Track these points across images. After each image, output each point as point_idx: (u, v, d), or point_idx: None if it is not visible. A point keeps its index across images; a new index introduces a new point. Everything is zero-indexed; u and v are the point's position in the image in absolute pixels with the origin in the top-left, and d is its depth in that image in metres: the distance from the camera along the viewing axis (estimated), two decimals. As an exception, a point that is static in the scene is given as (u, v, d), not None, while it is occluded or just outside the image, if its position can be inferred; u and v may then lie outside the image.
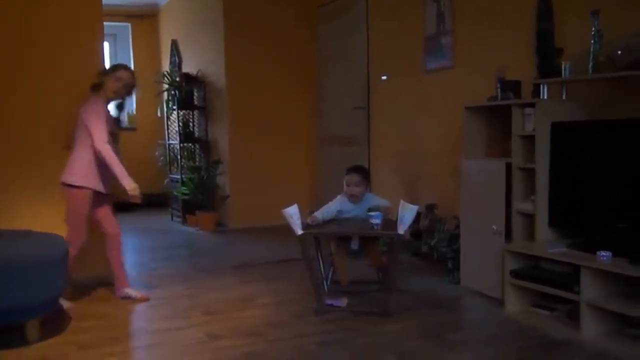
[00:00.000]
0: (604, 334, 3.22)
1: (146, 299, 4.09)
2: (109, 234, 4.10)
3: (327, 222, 3.98)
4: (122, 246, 4.17)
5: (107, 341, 3.38)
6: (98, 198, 3.98)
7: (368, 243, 3.96)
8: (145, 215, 7.84)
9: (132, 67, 9.23)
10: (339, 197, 4.10)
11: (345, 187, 4.06)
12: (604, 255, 3.21)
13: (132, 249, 5.86)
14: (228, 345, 3.25)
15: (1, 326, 3.27)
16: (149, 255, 5.57)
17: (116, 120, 4.18)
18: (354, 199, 4.04)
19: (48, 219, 4.24)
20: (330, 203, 4.09)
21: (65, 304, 3.89)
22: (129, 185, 3.85)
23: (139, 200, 3.91)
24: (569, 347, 3.15)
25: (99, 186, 3.95)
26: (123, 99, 4.12)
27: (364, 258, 4.06)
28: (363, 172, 4.13)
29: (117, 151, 3.94)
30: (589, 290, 3.20)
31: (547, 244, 3.61)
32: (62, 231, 3.85)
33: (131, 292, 4.12)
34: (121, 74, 3.99)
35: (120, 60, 9.27)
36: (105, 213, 4.08)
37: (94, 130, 3.81)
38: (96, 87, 3.99)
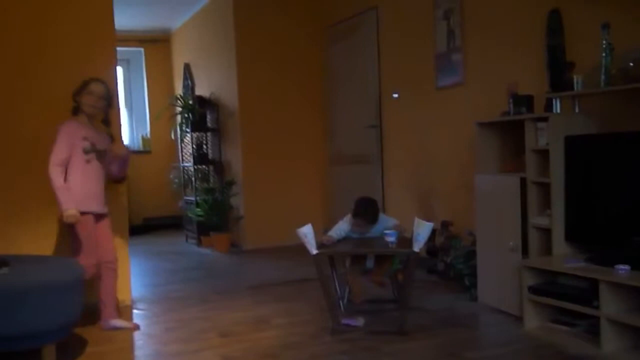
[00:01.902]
0: (624, 349, 3.17)
1: (136, 328, 4.00)
2: (103, 259, 3.93)
3: (341, 241, 3.97)
4: (116, 274, 4.05)
5: (123, 365, 3.37)
6: (97, 219, 3.93)
7: (382, 261, 3.94)
8: (160, 237, 7.86)
9: (146, 91, 9.38)
10: (348, 217, 4.08)
11: (351, 218, 4.05)
12: (623, 268, 3.17)
13: (147, 271, 5.87)
14: (244, 367, 3.23)
15: (18, 351, 3.28)
16: (164, 278, 5.57)
17: (104, 136, 4.01)
18: (360, 231, 4.04)
19: (65, 243, 4.26)
20: (340, 222, 4.08)
21: (121, 323, 3.94)
22: (65, 212, 3.73)
23: (73, 220, 3.75)
24: (589, 363, 3.11)
25: (96, 207, 3.89)
26: (105, 112, 4.00)
27: (370, 276, 4.03)
28: (369, 217, 4.03)
29: (102, 167, 3.91)
30: (608, 304, 3.15)
31: (565, 258, 3.57)
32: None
33: (119, 323, 4.00)
34: (92, 87, 3.92)
35: (133, 85, 9.41)
36: (102, 235, 3.97)
37: (51, 152, 3.78)
38: (75, 110, 3.96)
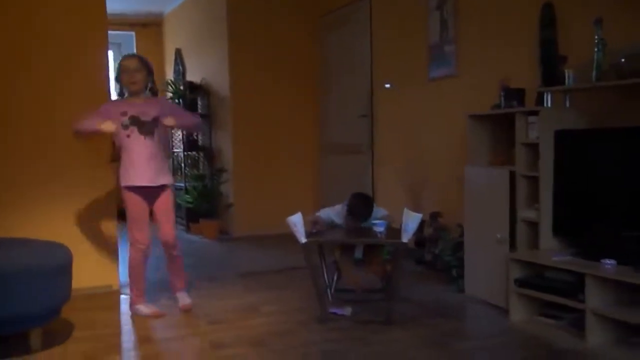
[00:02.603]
0: (609, 342, 3.21)
1: (159, 315, 3.95)
2: (161, 240, 3.95)
3: (330, 230, 3.98)
4: (175, 258, 4.04)
5: (110, 350, 3.37)
6: (148, 194, 3.87)
7: (371, 252, 3.96)
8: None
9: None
10: (339, 207, 4.09)
11: (346, 215, 4.05)
12: (609, 263, 3.20)
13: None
14: (232, 354, 3.24)
15: (4, 335, 3.27)
16: (152, 264, 5.55)
17: (154, 106, 3.88)
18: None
19: (54, 227, 4.25)
20: (330, 209, 4.11)
21: (146, 309, 3.94)
22: (102, 126, 3.76)
23: (111, 129, 3.77)
24: (574, 355, 3.14)
25: (140, 181, 3.82)
26: (147, 84, 3.93)
27: (366, 267, 4.06)
28: (364, 217, 4.00)
29: (144, 137, 3.81)
30: (594, 298, 3.19)
31: (552, 252, 3.60)
32: (67, 239, 3.84)
33: (182, 299, 4.05)
34: (125, 64, 3.90)
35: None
36: (158, 213, 3.93)
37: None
38: (120, 94, 3.98)
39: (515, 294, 3.67)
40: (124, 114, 3.82)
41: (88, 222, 4.47)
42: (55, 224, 4.31)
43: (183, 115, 4.04)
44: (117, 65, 3.95)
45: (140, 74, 3.88)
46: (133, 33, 9.34)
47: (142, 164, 3.83)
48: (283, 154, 7.17)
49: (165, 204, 3.92)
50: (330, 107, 7.05)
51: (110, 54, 8.15)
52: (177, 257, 4.04)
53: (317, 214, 4.01)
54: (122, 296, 4.46)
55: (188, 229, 7.28)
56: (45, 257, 3.40)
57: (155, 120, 3.84)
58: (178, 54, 8.47)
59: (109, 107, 3.92)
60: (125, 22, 8.96)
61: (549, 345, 3.30)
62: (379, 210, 4.09)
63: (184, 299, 4.05)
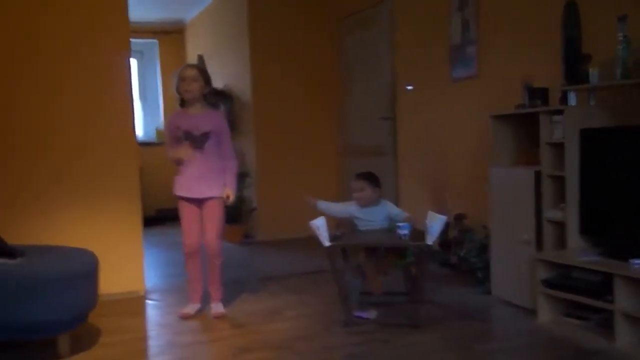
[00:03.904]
0: (638, 343, 3.15)
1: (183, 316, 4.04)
2: (206, 248, 4.06)
3: (354, 234, 3.98)
4: (215, 266, 4.08)
5: (136, 355, 3.40)
6: (198, 202, 4.00)
7: (391, 252, 3.93)
8: (173, 229, 7.85)
9: (160, 82, 9.41)
10: (351, 202, 4.11)
11: (353, 194, 4.07)
12: (638, 262, 3.15)
13: (161, 262, 5.91)
14: (256, 359, 3.25)
15: (33, 340, 3.32)
16: (178, 269, 5.58)
17: (209, 118, 4.02)
18: (362, 203, 4.04)
19: (81, 234, 4.30)
20: (338, 203, 4.16)
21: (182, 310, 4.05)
22: (179, 154, 3.94)
23: (184, 156, 3.94)
24: (602, 356, 3.09)
25: (188, 193, 3.98)
26: (201, 92, 4.02)
27: (376, 268, 4.03)
28: (366, 177, 4.07)
29: (193, 150, 3.93)
30: (623, 298, 3.14)
31: (579, 252, 3.55)
32: (93, 245, 3.88)
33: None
34: (183, 73, 4.00)
35: (147, 77, 9.44)
36: (204, 223, 4.03)
37: None
38: (181, 102, 4.08)
39: (542, 295, 3.63)
40: (178, 128, 3.98)
41: (113, 228, 4.51)
42: (80, 230, 4.36)
43: (227, 153, 4.12)
44: (177, 74, 4.06)
45: (197, 83, 3.99)
46: (156, 40, 9.43)
47: (190, 177, 3.98)
48: (305, 158, 7.18)
49: (210, 212, 4.01)
50: (352, 110, 7.04)
51: (133, 61, 8.25)
52: (215, 266, 4.08)
53: (317, 203, 4.08)
54: (148, 302, 4.49)
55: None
56: (72, 263, 3.44)
57: (206, 135, 3.95)
58: (201, 60, 8.52)
59: (170, 122, 4.10)
60: (147, 30, 9.05)
61: (577, 346, 3.25)
62: (394, 207, 4.07)
63: (216, 308, 4.08)
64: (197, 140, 3.95)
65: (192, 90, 3.97)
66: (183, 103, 4.06)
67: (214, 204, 4.00)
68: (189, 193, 3.98)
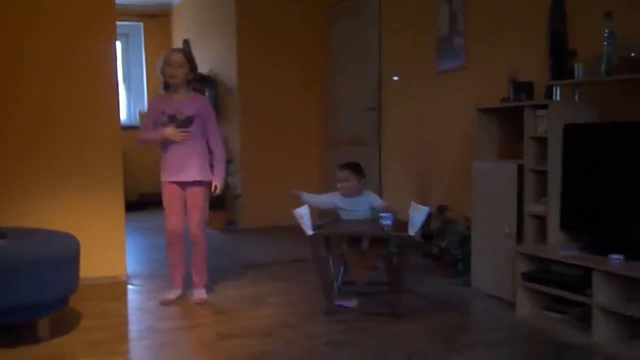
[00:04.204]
0: (615, 338, 3.20)
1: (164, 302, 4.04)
2: (189, 231, 4.05)
3: (337, 223, 3.99)
4: (199, 249, 4.08)
5: (117, 340, 3.39)
6: (182, 186, 3.99)
7: (376, 244, 3.95)
8: (155, 214, 7.83)
9: (144, 66, 9.33)
10: (335, 193, 4.12)
11: (338, 184, 4.08)
12: (616, 258, 3.18)
13: (143, 247, 5.89)
14: (238, 345, 3.25)
15: (12, 323, 3.30)
16: (159, 254, 5.56)
17: (193, 102, 3.99)
18: (346, 193, 4.06)
19: (63, 218, 4.27)
20: (322, 194, 4.17)
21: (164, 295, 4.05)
22: (166, 133, 3.91)
23: (181, 137, 3.90)
24: (580, 350, 3.13)
25: (174, 177, 3.96)
26: (187, 77, 4.00)
27: (363, 259, 4.05)
28: (351, 168, 4.09)
29: (189, 135, 3.91)
30: (601, 293, 3.18)
31: (559, 246, 3.59)
32: (75, 229, 3.85)
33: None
34: (169, 57, 3.97)
35: (131, 60, 9.36)
36: (189, 206, 4.03)
37: None
38: (165, 86, 4.05)
39: (521, 288, 3.66)
40: (163, 112, 3.95)
41: (95, 212, 4.49)
42: (62, 214, 4.33)
43: (213, 137, 4.09)
44: (163, 58, 4.03)
45: (182, 69, 3.96)
46: (141, 24, 9.35)
47: (175, 161, 3.96)
48: (290, 146, 7.17)
49: (194, 197, 4.01)
50: (337, 100, 7.04)
51: (118, 44, 8.17)
52: (199, 251, 4.08)
53: (302, 193, 4.07)
54: (129, 286, 4.48)
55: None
56: (53, 247, 3.42)
57: (190, 119, 3.93)
58: (186, 44, 8.45)
59: (152, 109, 4.07)
60: (133, 13, 8.96)
61: (555, 339, 3.29)
62: (377, 198, 4.08)
63: (199, 294, 4.08)
64: (182, 125, 3.93)
65: (178, 75, 3.95)
66: (167, 87, 4.03)
67: (198, 190, 4.00)
68: (173, 177, 3.96)
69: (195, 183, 3.98)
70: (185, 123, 3.93)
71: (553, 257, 3.50)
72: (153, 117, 4.00)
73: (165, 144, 3.97)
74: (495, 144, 4.27)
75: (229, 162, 7.00)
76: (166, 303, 4.00)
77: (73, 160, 4.42)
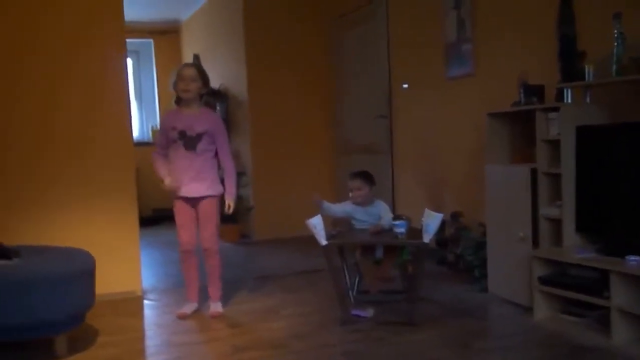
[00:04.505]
0: (635, 339, 3.16)
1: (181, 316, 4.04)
2: (202, 245, 4.05)
3: (350, 232, 3.98)
4: (213, 262, 4.08)
5: (133, 355, 3.40)
6: (192, 202, 3.99)
7: (390, 253, 3.94)
8: (169, 229, 7.83)
9: (156, 82, 9.39)
10: (347, 202, 4.13)
11: (350, 193, 4.07)
12: (634, 259, 3.16)
13: (158, 262, 5.90)
14: (253, 357, 3.25)
15: (30, 340, 3.31)
16: (174, 268, 5.58)
17: (204, 119, 3.99)
18: (358, 201, 4.06)
19: (77, 234, 4.29)
20: (337, 204, 4.16)
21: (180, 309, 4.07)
22: (165, 181, 3.96)
23: (169, 188, 3.95)
24: (599, 353, 3.10)
25: (183, 192, 3.96)
26: (199, 92, 4.01)
27: (380, 268, 4.04)
28: (363, 177, 4.09)
29: (186, 150, 3.91)
30: (619, 295, 3.14)
31: (575, 249, 3.56)
32: (90, 246, 3.87)
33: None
34: (182, 72, 3.98)
35: (142, 76, 9.43)
36: (200, 220, 4.03)
37: None
38: (177, 100, 4.06)
39: (538, 292, 3.63)
40: (174, 128, 3.95)
41: (110, 228, 4.51)
42: (77, 230, 4.35)
43: (223, 154, 4.10)
44: (175, 72, 4.04)
45: (195, 83, 3.97)
46: (151, 40, 9.42)
47: (182, 177, 3.96)
48: (302, 156, 7.18)
49: (205, 211, 4.01)
50: (348, 108, 7.04)
51: (129, 61, 8.24)
52: (213, 265, 4.07)
53: (322, 203, 4.05)
54: (145, 301, 4.49)
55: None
56: (69, 263, 3.43)
57: (200, 136, 3.93)
58: (196, 59, 8.51)
59: (165, 119, 4.12)
60: (143, 30, 9.03)
61: (573, 343, 3.26)
62: (384, 211, 4.06)
63: (215, 307, 4.08)
64: (191, 141, 3.93)
65: (191, 90, 3.95)
66: (179, 101, 4.04)
67: (209, 203, 4.00)
68: (183, 193, 3.97)
69: (206, 197, 3.99)
70: (195, 140, 3.93)
71: (569, 260, 3.47)
72: (166, 132, 4.01)
73: (173, 160, 3.98)
74: (507, 148, 4.25)
75: (240, 174, 7.03)
76: (183, 317, 4.00)
77: (87, 176, 4.44)
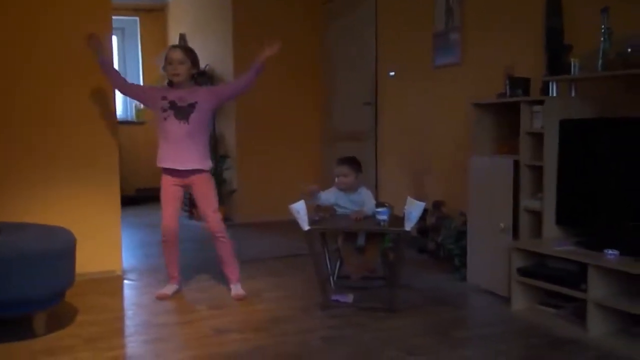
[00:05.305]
0: (610, 332, 3.21)
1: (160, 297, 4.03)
2: (206, 226, 4.05)
3: (333, 217, 3.99)
4: (224, 243, 4.06)
5: (113, 334, 3.39)
6: (182, 178, 3.95)
7: (373, 240, 3.96)
8: (152, 209, 7.82)
9: (140, 61, 9.30)
10: (332, 188, 4.11)
11: (335, 179, 4.07)
12: (612, 253, 3.20)
13: (139, 242, 5.88)
14: (234, 340, 3.26)
15: (8, 318, 3.29)
16: (155, 249, 5.56)
17: (195, 94, 3.93)
18: (342, 187, 4.05)
19: (59, 212, 4.26)
20: (326, 191, 4.12)
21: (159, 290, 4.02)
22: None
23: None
24: (575, 345, 3.15)
25: (171, 164, 3.92)
26: (190, 73, 3.96)
27: (363, 255, 4.05)
28: (350, 163, 4.08)
29: (179, 121, 3.85)
30: (596, 288, 3.19)
31: (554, 241, 3.60)
32: (70, 224, 3.84)
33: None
34: (169, 55, 3.93)
35: (127, 55, 9.33)
36: (198, 198, 4.02)
37: None
38: (169, 83, 4.01)
39: (517, 283, 3.67)
40: (164, 98, 3.91)
41: (91, 207, 4.48)
42: (58, 209, 4.32)
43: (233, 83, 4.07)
44: (164, 55, 3.99)
45: (184, 66, 3.92)
46: (137, 18, 9.31)
47: (174, 147, 3.91)
48: (287, 141, 7.16)
49: (202, 189, 3.98)
50: (334, 95, 7.03)
51: (114, 39, 8.14)
52: (223, 245, 4.05)
53: (319, 195, 4.02)
54: (125, 281, 4.48)
55: (191, 215, 7.28)
56: (49, 241, 3.41)
57: (192, 106, 3.89)
58: (182, 39, 8.42)
59: (154, 89, 4.07)
60: (129, 7, 8.92)
61: (550, 334, 3.30)
62: (368, 198, 4.05)
63: (236, 289, 4.05)
64: (184, 111, 3.87)
65: (180, 73, 3.91)
66: (171, 83, 4.00)
67: (203, 179, 3.97)
68: (173, 164, 3.91)
69: (197, 172, 3.94)
70: (187, 110, 3.87)
71: (548, 252, 3.51)
72: (148, 90, 4.00)
73: (163, 132, 3.92)
74: (492, 139, 4.27)
75: (224, 157, 7.03)
76: (162, 298, 4.00)
77: (69, 154, 4.41)
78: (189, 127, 3.88)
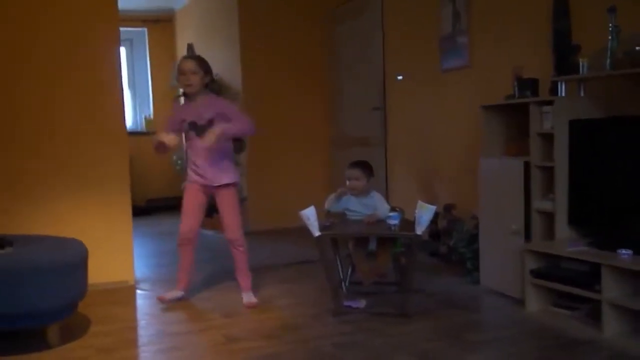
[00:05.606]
0: (625, 333, 3.19)
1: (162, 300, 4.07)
2: (227, 237, 4.11)
3: (344, 224, 3.98)
4: (242, 254, 4.11)
5: (126, 344, 3.40)
6: (209, 190, 4.02)
7: (384, 245, 3.94)
8: (163, 219, 7.88)
9: (149, 71, 9.35)
10: (339, 190, 4.09)
11: (347, 182, 4.05)
12: (625, 253, 3.18)
13: (151, 252, 5.90)
14: (246, 348, 3.26)
15: (22, 330, 3.31)
16: (167, 259, 5.58)
17: (211, 107, 3.92)
18: (355, 192, 4.03)
19: (70, 224, 4.28)
20: (333, 195, 4.09)
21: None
22: (162, 137, 3.86)
23: (173, 142, 3.86)
24: (590, 346, 3.12)
25: (199, 179, 3.98)
26: (202, 83, 3.94)
27: (375, 260, 4.03)
28: (362, 166, 4.06)
29: (200, 140, 3.84)
30: (610, 288, 3.16)
31: (567, 242, 3.57)
32: (82, 235, 3.86)
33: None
34: (181, 66, 3.94)
35: (136, 66, 9.39)
36: (222, 211, 4.07)
37: None
38: (183, 94, 4.04)
39: (530, 285, 3.65)
40: (184, 121, 3.97)
41: (103, 218, 4.50)
42: (69, 220, 4.34)
43: (237, 121, 3.97)
44: (176, 67, 4.03)
45: (196, 76, 3.92)
46: (145, 29, 9.37)
47: (200, 165, 3.97)
48: (296, 148, 7.17)
49: (225, 201, 4.02)
50: (342, 100, 7.04)
51: (122, 50, 8.20)
52: (240, 255, 4.10)
53: (327, 208, 4.02)
54: (138, 291, 4.49)
55: (202, 224, 7.29)
56: (61, 253, 3.42)
57: (211, 123, 3.89)
58: (190, 49, 8.46)
59: (173, 117, 4.08)
60: (136, 18, 8.99)
61: (565, 336, 3.28)
62: (380, 203, 4.03)
63: (248, 297, 4.07)
64: (203, 129, 3.89)
65: (193, 84, 3.91)
66: (186, 95, 4.02)
67: (228, 192, 4.01)
68: (202, 181, 3.98)
69: (223, 186, 3.98)
70: (206, 128, 3.88)
71: (561, 254, 3.49)
72: (174, 125, 4.00)
73: (190, 150, 4.00)
74: (501, 141, 4.26)
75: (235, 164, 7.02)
76: (161, 300, 4.03)
77: (80, 165, 4.43)
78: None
